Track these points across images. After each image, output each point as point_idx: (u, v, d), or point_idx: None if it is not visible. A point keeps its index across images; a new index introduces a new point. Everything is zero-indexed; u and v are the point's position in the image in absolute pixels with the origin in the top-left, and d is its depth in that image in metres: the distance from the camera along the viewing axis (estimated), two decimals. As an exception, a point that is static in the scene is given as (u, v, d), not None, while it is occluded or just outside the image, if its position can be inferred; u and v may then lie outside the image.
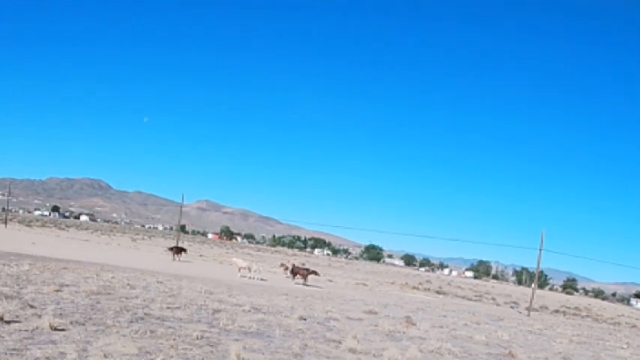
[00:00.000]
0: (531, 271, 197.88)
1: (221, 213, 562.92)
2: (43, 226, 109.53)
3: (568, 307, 67.28)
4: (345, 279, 61.86)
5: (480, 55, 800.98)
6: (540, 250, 47.38)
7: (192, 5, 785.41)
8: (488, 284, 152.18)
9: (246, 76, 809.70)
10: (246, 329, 14.38)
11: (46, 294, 15.79)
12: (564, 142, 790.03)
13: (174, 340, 11.59)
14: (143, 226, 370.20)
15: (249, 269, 40.56)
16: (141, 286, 21.66)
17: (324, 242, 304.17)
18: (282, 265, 53.50)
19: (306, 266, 51.67)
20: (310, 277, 42.13)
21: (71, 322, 11.95)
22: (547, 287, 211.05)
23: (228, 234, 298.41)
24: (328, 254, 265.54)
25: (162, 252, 59.85)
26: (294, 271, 43.15)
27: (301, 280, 41.44)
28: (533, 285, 52.94)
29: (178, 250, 51.17)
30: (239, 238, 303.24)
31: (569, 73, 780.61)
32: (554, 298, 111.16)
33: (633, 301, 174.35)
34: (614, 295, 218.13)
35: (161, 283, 24.26)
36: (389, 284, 66.46)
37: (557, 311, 57.20)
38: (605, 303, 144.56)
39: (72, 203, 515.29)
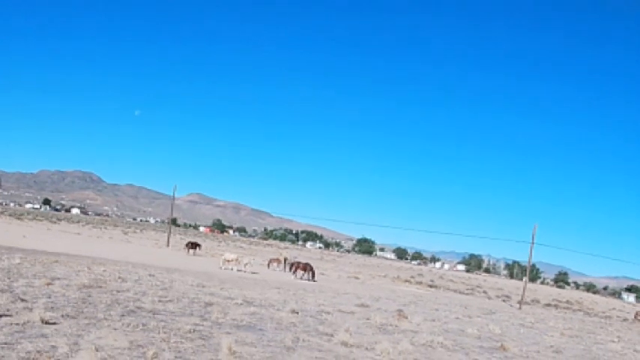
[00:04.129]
0: (523, 264, 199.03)
1: (213, 206, 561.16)
2: (34, 219, 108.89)
3: (560, 301, 67.76)
4: (337, 272, 62.01)
5: (474, 51, 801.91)
6: (532, 243, 47.69)
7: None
8: (480, 278, 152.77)
9: (238, 69, 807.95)
10: (238, 322, 14.36)
11: (37, 287, 15.69)
12: (556, 136, 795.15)
13: (165, 333, 11.55)
14: (135, 219, 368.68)
15: (239, 262, 40.34)
16: (132, 279, 21.58)
17: (316, 235, 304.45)
18: (270, 260, 51.95)
19: (298, 259, 51.37)
20: (300, 272, 41.03)
21: (62, 316, 11.88)
22: (539, 281, 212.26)
23: (219, 227, 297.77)
24: (320, 247, 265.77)
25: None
26: (295, 267, 41.88)
27: (306, 275, 40.32)
28: (524, 278, 53.28)
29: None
30: (231, 232, 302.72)
31: (563, 67, 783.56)
32: (545, 291, 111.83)
33: (624, 294, 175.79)
34: (605, 288, 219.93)
35: (153, 276, 24.20)
36: (381, 277, 66.66)
37: (548, 305, 57.58)
38: (596, 297, 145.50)
39: (63, 196, 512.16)
